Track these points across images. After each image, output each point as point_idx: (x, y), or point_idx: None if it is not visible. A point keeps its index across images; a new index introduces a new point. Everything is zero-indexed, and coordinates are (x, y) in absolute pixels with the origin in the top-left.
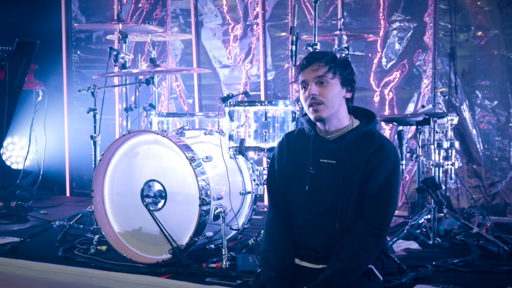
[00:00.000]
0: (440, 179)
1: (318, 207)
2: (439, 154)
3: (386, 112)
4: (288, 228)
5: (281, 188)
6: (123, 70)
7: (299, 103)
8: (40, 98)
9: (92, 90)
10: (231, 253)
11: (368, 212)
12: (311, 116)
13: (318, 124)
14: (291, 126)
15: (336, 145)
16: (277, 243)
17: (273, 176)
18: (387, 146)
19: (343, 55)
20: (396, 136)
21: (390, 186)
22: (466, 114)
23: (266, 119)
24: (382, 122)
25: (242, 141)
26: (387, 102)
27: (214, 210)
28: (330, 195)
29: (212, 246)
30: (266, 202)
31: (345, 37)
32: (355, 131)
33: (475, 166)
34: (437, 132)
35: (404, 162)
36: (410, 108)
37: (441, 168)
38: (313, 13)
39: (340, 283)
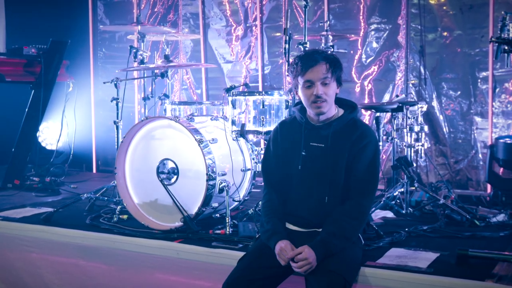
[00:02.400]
0: (412, 158)
1: (310, 183)
2: (411, 136)
3: (366, 101)
4: (280, 200)
5: (276, 167)
6: (142, 65)
7: (291, 93)
8: (70, 89)
9: (115, 82)
10: (234, 221)
11: (356, 188)
12: (313, 111)
13: (311, 114)
14: (284, 113)
15: (325, 131)
16: (271, 213)
17: (268, 158)
18: (367, 133)
19: (329, 52)
20: (374, 121)
21: (372, 166)
22: (434, 103)
23: (263, 107)
24: (362, 110)
25: (243, 125)
26: (366, 92)
27: (219, 185)
28: (320, 173)
29: (217, 215)
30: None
31: (330, 37)
32: (340, 119)
33: (441, 147)
34: (409, 118)
35: (381, 143)
36: (386, 97)
37: (412, 149)
38: (303, 16)
39: (334, 244)
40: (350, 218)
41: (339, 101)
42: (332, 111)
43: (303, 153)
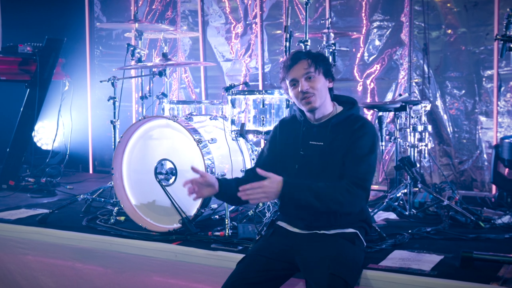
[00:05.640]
0: (415, 158)
1: None
2: (414, 136)
3: (368, 100)
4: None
5: (269, 163)
6: (139, 64)
7: None
8: (66, 87)
9: (112, 81)
10: (233, 222)
11: (351, 170)
12: (305, 108)
13: (307, 113)
14: (285, 112)
15: (324, 129)
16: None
17: (260, 156)
18: (368, 125)
19: (331, 50)
20: (376, 121)
21: (369, 154)
22: (438, 102)
23: (263, 106)
24: (365, 109)
25: (242, 125)
26: (368, 91)
27: None
28: (318, 172)
29: (217, 216)
30: None
31: (332, 35)
32: (339, 115)
33: (445, 147)
34: (412, 117)
35: (383, 143)
36: (389, 97)
37: (416, 149)
38: (304, 14)
39: (321, 193)
40: (347, 190)
41: (337, 98)
42: (329, 108)
43: (301, 152)
